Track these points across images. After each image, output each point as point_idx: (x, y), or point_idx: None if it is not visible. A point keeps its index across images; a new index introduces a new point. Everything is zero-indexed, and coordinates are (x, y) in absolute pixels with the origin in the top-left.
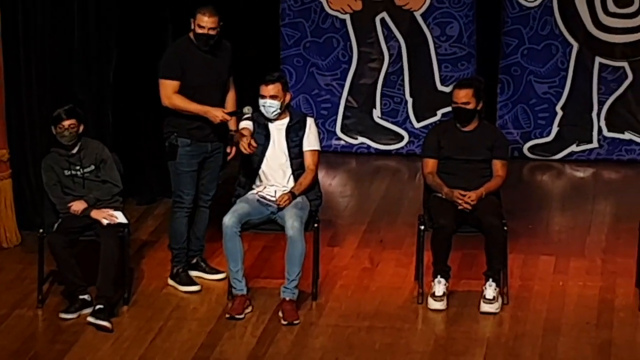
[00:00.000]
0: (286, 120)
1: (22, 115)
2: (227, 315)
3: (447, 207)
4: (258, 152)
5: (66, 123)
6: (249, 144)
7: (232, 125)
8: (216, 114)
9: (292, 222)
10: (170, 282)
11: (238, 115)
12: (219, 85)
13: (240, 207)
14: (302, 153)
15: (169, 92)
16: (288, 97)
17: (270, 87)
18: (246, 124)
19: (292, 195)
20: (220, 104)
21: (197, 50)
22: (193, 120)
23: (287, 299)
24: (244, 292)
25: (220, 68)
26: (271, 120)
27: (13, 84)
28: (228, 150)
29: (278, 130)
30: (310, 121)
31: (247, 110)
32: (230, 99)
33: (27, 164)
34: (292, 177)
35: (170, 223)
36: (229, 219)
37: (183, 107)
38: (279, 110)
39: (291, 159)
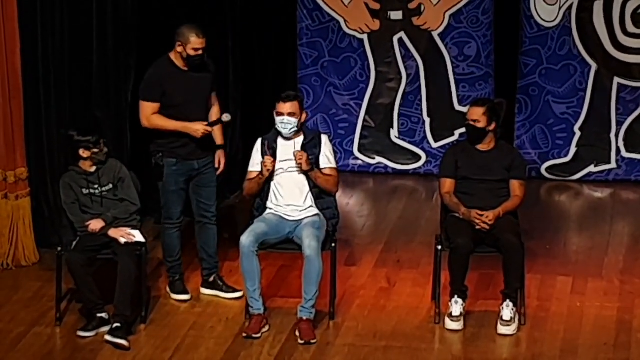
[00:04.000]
0: (300, 139)
1: (41, 134)
2: (244, 334)
3: (465, 227)
4: (270, 174)
5: (101, 141)
6: (267, 166)
7: (218, 140)
8: (197, 129)
9: (309, 241)
10: (167, 290)
11: (218, 124)
12: (201, 102)
13: (257, 227)
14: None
15: (148, 113)
16: (304, 116)
17: (288, 104)
18: (255, 168)
19: (311, 168)
20: (204, 120)
21: (177, 70)
22: (177, 139)
23: (304, 318)
24: (261, 311)
25: (202, 85)
26: (286, 138)
27: (32, 102)
28: (217, 165)
29: (293, 148)
30: (325, 138)
31: (225, 117)
32: (214, 114)
33: (45, 183)
34: (309, 194)
35: (162, 238)
36: (246, 238)
37: (163, 126)
38: (295, 128)
39: (307, 176)
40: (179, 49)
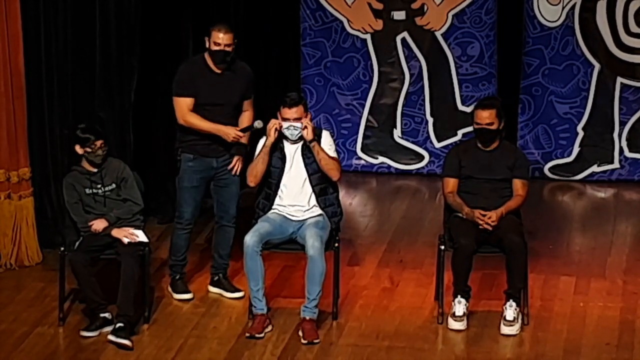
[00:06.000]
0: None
1: (44, 134)
2: (247, 335)
3: (468, 227)
4: (275, 175)
5: (98, 143)
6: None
7: (243, 141)
8: (228, 132)
9: (312, 241)
10: (169, 289)
11: (249, 131)
12: (231, 106)
13: (261, 227)
14: (320, 167)
15: (184, 110)
16: (308, 118)
17: (294, 109)
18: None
19: (318, 143)
20: (231, 123)
21: (209, 70)
22: (201, 136)
23: (307, 318)
24: (264, 311)
25: (233, 89)
26: (292, 142)
27: (35, 102)
28: (230, 166)
29: (295, 150)
30: (325, 133)
31: (258, 124)
32: (245, 120)
33: (48, 183)
34: (313, 194)
35: (171, 235)
36: (250, 238)
37: (197, 125)
38: (300, 132)
39: (309, 175)
40: (206, 44)
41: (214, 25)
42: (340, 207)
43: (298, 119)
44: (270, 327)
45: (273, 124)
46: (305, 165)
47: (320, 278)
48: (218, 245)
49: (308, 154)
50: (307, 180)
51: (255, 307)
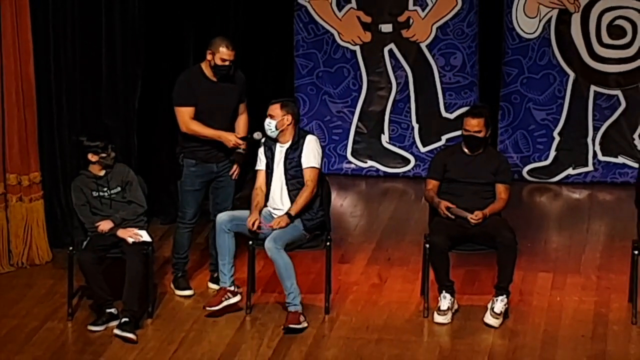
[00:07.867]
0: (289, 142)
1: (54, 140)
2: (204, 306)
3: (443, 226)
4: (269, 174)
5: (109, 147)
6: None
7: (243, 148)
8: (229, 138)
9: (266, 243)
10: (171, 286)
11: (249, 141)
12: (227, 111)
13: (238, 212)
14: (299, 173)
15: (186, 118)
16: (288, 119)
17: (271, 107)
18: (259, 167)
19: (288, 216)
20: (228, 128)
21: (205, 79)
22: (201, 142)
23: (292, 311)
24: (227, 285)
25: (229, 95)
26: (278, 141)
27: (45, 110)
28: (231, 172)
29: (280, 153)
30: (308, 139)
31: (257, 135)
32: (241, 123)
33: (58, 186)
34: (287, 198)
35: (174, 234)
36: (220, 217)
37: (199, 132)
38: (274, 129)
39: (287, 180)
40: (209, 57)
41: (219, 41)
42: (320, 211)
43: (271, 116)
44: (235, 298)
45: (253, 225)
46: (285, 170)
47: (286, 272)
48: (215, 243)
49: (290, 157)
50: (284, 183)
51: (220, 280)
